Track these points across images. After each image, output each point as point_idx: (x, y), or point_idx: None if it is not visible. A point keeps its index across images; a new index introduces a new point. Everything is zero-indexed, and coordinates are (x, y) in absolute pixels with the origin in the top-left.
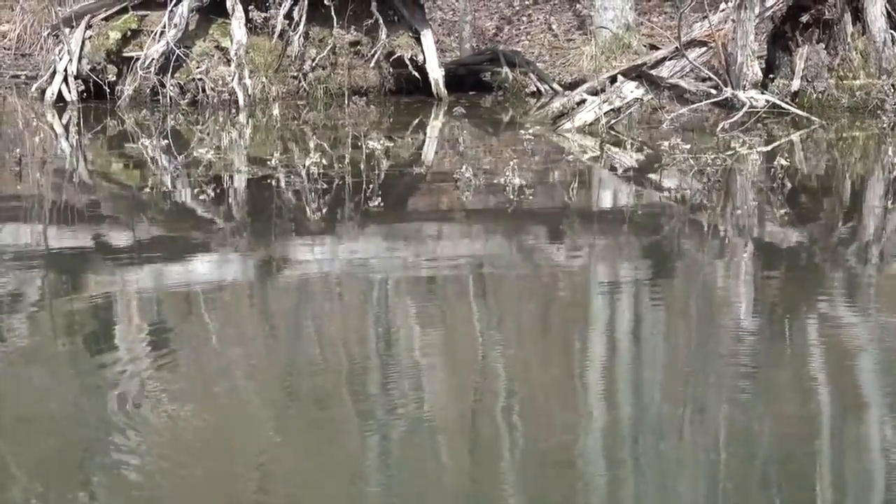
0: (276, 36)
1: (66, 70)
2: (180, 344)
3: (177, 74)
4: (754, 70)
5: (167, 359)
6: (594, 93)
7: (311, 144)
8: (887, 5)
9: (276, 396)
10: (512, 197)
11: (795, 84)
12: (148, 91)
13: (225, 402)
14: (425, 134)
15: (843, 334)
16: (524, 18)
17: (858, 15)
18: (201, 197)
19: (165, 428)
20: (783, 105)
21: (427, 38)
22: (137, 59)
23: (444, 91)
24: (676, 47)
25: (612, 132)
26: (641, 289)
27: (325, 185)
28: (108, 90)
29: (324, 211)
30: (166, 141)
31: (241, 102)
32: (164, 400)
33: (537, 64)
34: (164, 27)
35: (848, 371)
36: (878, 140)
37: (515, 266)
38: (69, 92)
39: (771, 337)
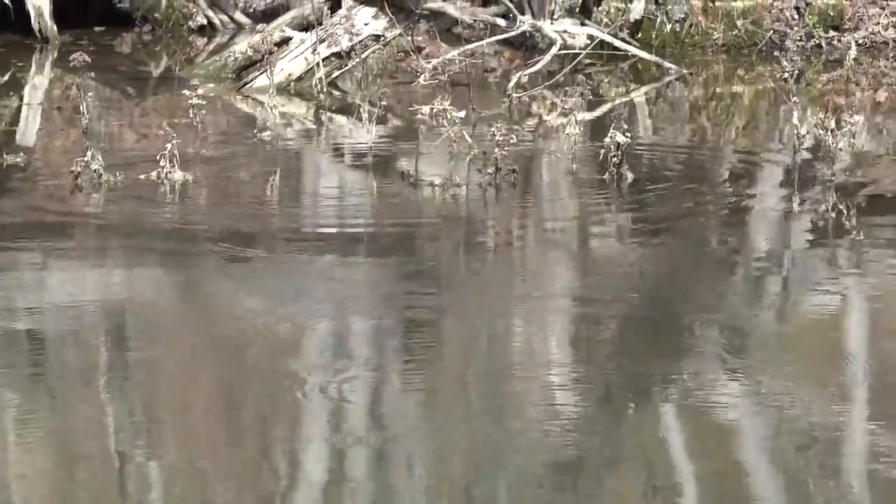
0: None
1: None
2: None
3: None
4: None
5: None
6: (304, 27)
7: None
8: None
9: None
10: (168, 199)
11: (637, 8)
12: None
13: None
14: (21, 99)
15: None
16: None
17: None
18: None
19: None
20: (618, 43)
21: None
22: None
23: (51, 25)
24: None
25: (336, 91)
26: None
27: None
28: None
29: None
30: None
31: None
32: None
33: None
34: None
35: None
36: (773, 100)
37: (172, 313)
38: None
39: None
